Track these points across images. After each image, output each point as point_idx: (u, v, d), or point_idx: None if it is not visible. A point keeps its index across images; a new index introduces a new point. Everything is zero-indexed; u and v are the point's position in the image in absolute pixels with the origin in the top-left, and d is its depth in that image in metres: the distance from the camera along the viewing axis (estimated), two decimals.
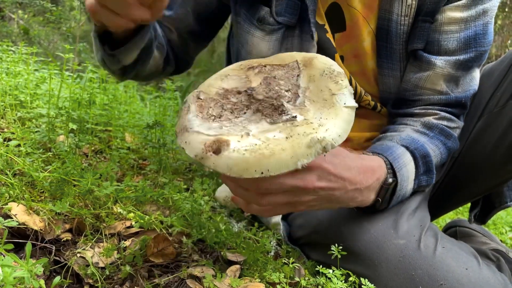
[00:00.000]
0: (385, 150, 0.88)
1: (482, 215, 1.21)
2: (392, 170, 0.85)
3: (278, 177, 0.64)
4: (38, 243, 0.78)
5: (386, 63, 1.04)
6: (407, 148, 0.91)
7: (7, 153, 0.96)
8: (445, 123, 1.00)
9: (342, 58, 1.07)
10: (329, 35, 1.05)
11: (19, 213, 0.81)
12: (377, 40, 1.03)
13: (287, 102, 0.63)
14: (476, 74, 1.04)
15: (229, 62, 1.31)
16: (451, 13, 0.98)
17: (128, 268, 0.76)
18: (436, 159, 0.96)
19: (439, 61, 0.99)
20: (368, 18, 1.03)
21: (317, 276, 0.82)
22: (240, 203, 0.77)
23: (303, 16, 1.01)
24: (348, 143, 1.13)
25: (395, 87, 1.06)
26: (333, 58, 1.05)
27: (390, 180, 0.84)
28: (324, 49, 1.05)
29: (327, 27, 1.05)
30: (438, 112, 1.01)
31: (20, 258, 0.57)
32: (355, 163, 0.78)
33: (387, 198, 0.87)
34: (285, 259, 0.89)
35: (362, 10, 1.02)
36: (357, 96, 1.09)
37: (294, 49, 1.03)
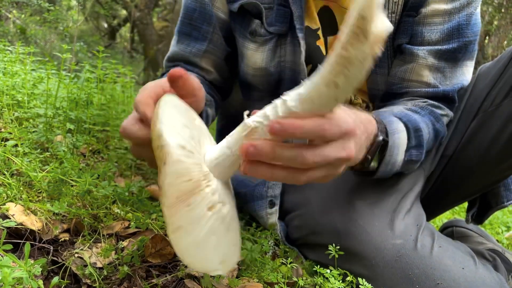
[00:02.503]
0: (379, 114, 0.85)
1: (479, 215, 1.21)
2: (384, 130, 0.81)
3: (322, 149, 0.57)
4: (36, 243, 0.78)
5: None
6: (400, 119, 0.88)
7: (5, 153, 0.96)
8: (433, 108, 1.00)
9: None
10: (320, 42, 1.05)
11: (17, 214, 0.81)
12: None
13: None
14: (468, 69, 1.03)
15: None
16: (436, 5, 0.98)
17: (126, 268, 0.76)
18: (426, 136, 0.94)
19: (421, 51, 0.99)
20: None
21: (315, 276, 0.82)
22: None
23: (293, 23, 1.00)
24: None
25: (383, 85, 1.07)
26: None
27: (381, 137, 0.78)
28: (313, 58, 1.05)
29: (320, 32, 1.04)
30: (426, 100, 1.01)
31: (18, 258, 0.57)
32: (361, 117, 0.71)
33: (376, 157, 0.81)
34: (283, 259, 0.90)
35: None
36: (347, 102, 1.10)
37: (287, 56, 1.03)
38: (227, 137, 0.58)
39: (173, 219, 0.50)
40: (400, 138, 0.85)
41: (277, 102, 0.55)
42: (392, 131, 0.83)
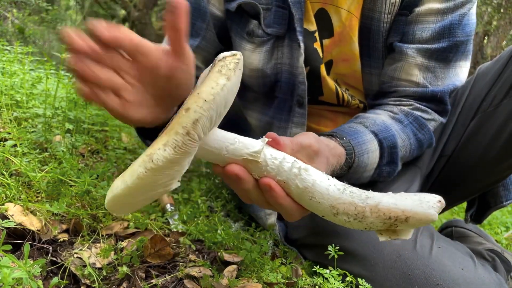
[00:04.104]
0: (352, 133, 0.87)
1: (478, 215, 1.22)
2: (352, 155, 0.84)
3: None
4: (35, 244, 0.78)
5: (368, 61, 1.05)
6: (376, 135, 0.90)
7: (4, 153, 0.95)
8: (419, 113, 1.00)
9: (331, 62, 1.08)
10: (317, 44, 1.04)
11: (16, 214, 0.81)
12: (360, 39, 1.03)
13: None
14: (462, 69, 1.03)
15: None
16: (430, 4, 0.98)
17: (125, 268, 0.76)
18: (404, 150, 0.96)
19: (410, 49, 0.99)
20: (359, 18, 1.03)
21: (314, 276, 0.82)
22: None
23: (291, 25, 1.00)
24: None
25: (377, 85, 1.07)
26: (318, 69, 1.05)
27: (345, 167, 0.83)
28: (311, 60, 1.05)
29: (316, 34, 1.04)
30: (413, 103, 1.01)
31: (18, 259, 0.57)
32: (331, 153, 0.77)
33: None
34: (282, 260, 0.90)
35: (355, 11, 1.02)
36: (345, 103, 1.10)
37: (284, 58, 1.03)
38: (236, 137, 0.58)
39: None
40: (369, 158, 0.88)
41: (301, 166, 0.57)
42: (360, 153, 0.85)
